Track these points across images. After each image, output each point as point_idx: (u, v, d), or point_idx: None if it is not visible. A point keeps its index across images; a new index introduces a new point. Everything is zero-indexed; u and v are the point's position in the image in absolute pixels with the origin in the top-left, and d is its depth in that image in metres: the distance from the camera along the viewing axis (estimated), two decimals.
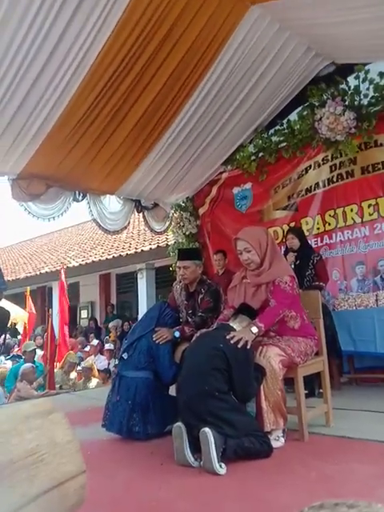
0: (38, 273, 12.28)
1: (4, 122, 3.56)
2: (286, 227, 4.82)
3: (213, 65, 3.84)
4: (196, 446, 2.04)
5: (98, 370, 6.57)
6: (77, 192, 4.76)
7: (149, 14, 3.16)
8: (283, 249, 4.21)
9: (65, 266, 8.93)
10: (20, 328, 10.70)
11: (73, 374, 6.46)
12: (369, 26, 3.36)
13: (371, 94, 4.03)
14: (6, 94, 3.32)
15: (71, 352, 7.02)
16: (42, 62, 3.19)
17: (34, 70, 3.22)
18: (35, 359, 6.35)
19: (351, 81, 4.14)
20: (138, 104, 3.89)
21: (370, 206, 4.19)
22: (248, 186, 5.19)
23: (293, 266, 3.69)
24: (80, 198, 4.80)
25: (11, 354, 7.28)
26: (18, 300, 11.31)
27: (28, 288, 8.64)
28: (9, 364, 7.07)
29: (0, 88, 3.25)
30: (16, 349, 8.84)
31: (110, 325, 9.58)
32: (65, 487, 1.03)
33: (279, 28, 3.72)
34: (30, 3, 2.76)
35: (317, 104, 4.28)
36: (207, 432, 1.97)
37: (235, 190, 5.33)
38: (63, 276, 8.22)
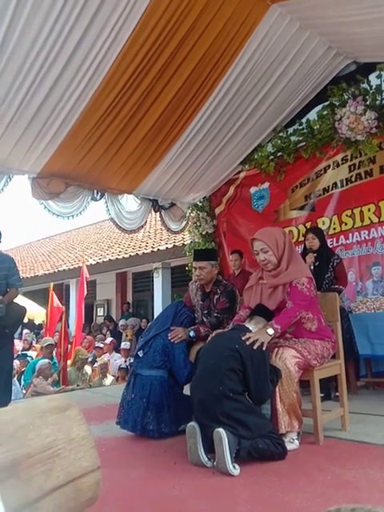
0: (55, 270, 12.45)
1: (25, 122, 3.62)
2: (301, 227, 4.79)
3: (232, 64, 3.83)
4: (210, 446, 2.04)
5: (121, 369, 6.61)
6: (95, 191, 4.82)
7: (169, 14, 3.16)
8: (300, 249, 4.16)
9: (79, 264, 8.98)
10: (37, 324, 10.84)
11: (88, 370, 6.51)
12: None
13: None
14: (27, 95, 3.38)
15: (80, 348, 7.07)
16: (63, 63, 3.23)
17: (54, 71, 3.27)
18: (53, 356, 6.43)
19: (373, 80, 4.08)
20: (156, 104, 3.91)
21: None
22: (265, 185, 5.17)
23: (312, 267, 3.64)
24: (98, 197, 4.86)
25: (17, 354, 7.35)
26: (36, 297, 11.49)
27: (51, 284, 8.74)
28: (16, 362, 7.13)
29: (21, 89, 3.31)
30: (33, 345, 8.95)
31: (122, 322, 9.63)
32: (80, 482, 1.04)
33: (300, 27, 3.68)
34: (52, 5, 2.80)
35: (337, 103, 4.22)
36: (221, 432, 1.96)
37: (252, 190, 5.31)
38: (86, 271, 8.29)
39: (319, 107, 4.51)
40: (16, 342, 8.33)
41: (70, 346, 6.95)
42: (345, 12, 3.30)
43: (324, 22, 3.68)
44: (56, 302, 8.32)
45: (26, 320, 7.58)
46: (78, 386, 5.69)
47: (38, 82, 3.31)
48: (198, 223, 5.67)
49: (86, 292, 8.25)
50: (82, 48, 3.19)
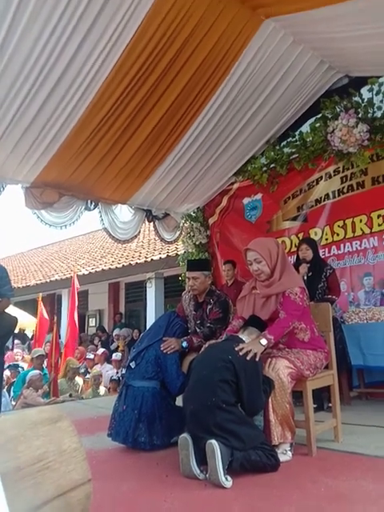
0: (47, 280, 12.37)
1: (19, 132, 3.63)
2: (294, 237, 4.82)
3: (226, 77, 3.88)
4: (202, 458, 2.02)
5: (113, 380, 6.54)
6: (89, 201, 4.81)
7: (164, 26, 3.21)
8: (293, 259, 4.18)
9: (71, 274, 8.94)
10: (29, 334, 10.72)
11: (79, 381, 6.43)
12: (382, 40, 3.37)
13: None
14: (22, 105, 3.39)
15: (71, 358, 6.99)
16: (58, 74, 3.25)
17: (50, 82, 3.29)
18: (43, 367, 6.35)
19: (365, 93, 4.15)
20: (151, 115, 3.94)
21: (379, 216, 4.17)
22: (258, 196, 5.21)
23: (305, 278, 3.66)
24: (92, 206, 4.85)
25: (8, 364, 7.26)
26: (27, 307, 11.38)
27: (40, 294, 8.71)
28: (6, 373, 7.04)
29: (16, 99, 3.32)
30: (21, 356, 8.82)
31: (116, 332, 9.56)
32: (70, 496, 1.02)
33: (293, 41, 3.75)
34: (49, 17, 2.83)
35: (330, 116, 4.28)
36: (214, 444, 1.95)
37: (245, 201, 5.35)
38: (77, 282, 8.26)
39: (312, 119, 4.57)
40: (10, 353, 8.26)
41: (59, 357, 6.87)
42: (337, 28, 3.37)
43: (317, 37, 3.75)
44: (44, 313, 8.32)
45: (17, 330, 7.51)
46: (70, 395, 5.61)
47: (34, 92, 3.32)
48: (192, 233, 5.69)
49: (77, 303, 8.20)
50: (77, 60, 3.21)
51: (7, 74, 3.11)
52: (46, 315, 8.36)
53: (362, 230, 4.29)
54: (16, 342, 9.95)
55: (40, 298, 8.39)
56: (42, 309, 8.37)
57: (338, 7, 2.97)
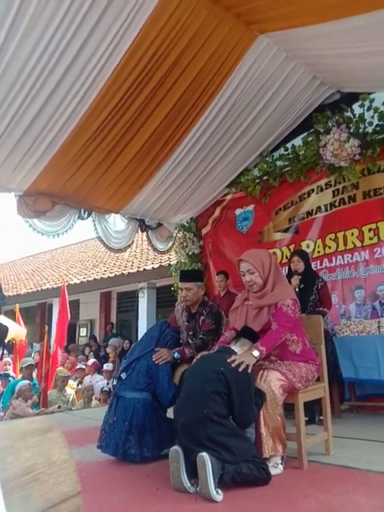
0: (39, 289, 12.27)
1: (13, 139, 3.63)
2: (285, 249, 4.86)
3: (220, 91, 3.93)
4: (193, 471, 2.00)
5: (103, 391, 6.46)
6: (82, 210, 4.81)
7: (160, 38, 3.25)
8: (285, 270, 4.20)
9: (66, 283, 8.89)
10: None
11: (70, 391, 6.34)
12: (373, 58, 3.45)
13: (376, 122, 4.10)
14: (17, 114, 3.40)
15: (60, 368, 6.91)
16: (54, 83, 3.27)
17: (45, 90, 3.30)
18: (33, 377, 6.27)
19: (356, 109, 4.22)
20: (145, 126, 3.97)
21: (370, 230, 4.22)
22: (250, 207, 5.26)
23: (297, 290, 3.67)
24: (85, 215, 4.85)
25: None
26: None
27: (17, 305, 8.78)
28: None
29: (12, 107, 3.33)
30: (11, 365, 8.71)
31: (112, 342, 9.46)
32: (59, 509, 1.00)
33: (286, 57, 3.82)
34: (46, 26, 2.85)
35: (322, 130, 4.35)
36: (205, 457, 1.93)
37: (237, 212, 5.39)
38: (66, 292, 8.20)
39: (304, 134, 4.63)
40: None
41: (49, 367, 6.78)
42: (329, 45, 3.44)
43: (309, 54, 3.83)
44: (21, 322, 8.38)
45: (7, 339, 7.39)
46: (59, 407, 5.53)
47: (29, 101, 3.33)
48: (185, 244, 5.70)
49: (69, 314, 8.12)
50: (74, 69, 3.24)
51: (3, 81, 3.12)
52: (22, 325, 8.45)
53: (353, 243, 4.33)
54: (4, 351, 9.80)
55: (17, 309, 8.48)
56: (18, 318, 8.46)
57: (330, 25, 3.04)
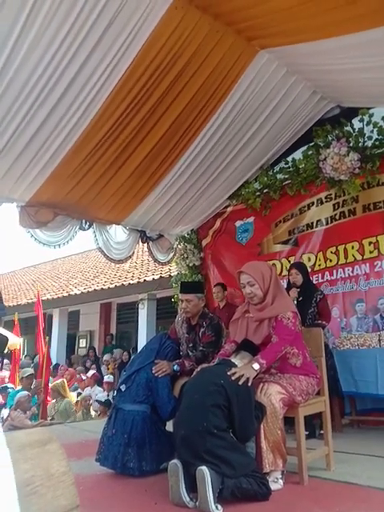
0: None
1: (16, 151, 3.67)
2: (285, 261, 4.86)
3: (221, 105, 3.98)
4: (192, 485, 1.98)
5: (97, 402, 6.41)
6: (83, 221, 4.84)
7: (163, 53, 3.30)
8: (285, 283, 4.20)
9: (63, 294, 8.91)
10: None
11: (65, 404, 6.27)
12: (372, 73, 3.50)
13: (375, 136, 4.14)
14: (20, 125, 3.44)
15: (57, 382, 6.86)
16: (57, 96, 3.31)
17: (49, 103, 3.35)
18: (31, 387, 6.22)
19: (356, 123, 4.27)
20: (147, 139, 4.01)
21: (370, 243, 4.23)
22: (250, 219, 5.28)
23: (295, 303, 3.67)
24: (86, 226, 4.87)
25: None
26: (19, 326, 11.21)
27: (16, 314, 8.82)
28: None
29: (15, 119, 3.37)
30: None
31: (106, 357, 9.42)
32: None
33: (286, 72, 3.87)
34: (51, 40, 2.91)
35: (322, 144, 4.39)
36: (204, 471, 1.91)
37: (238, 223, 5.41)
38: (40, 305, 8.29)
39: (304, 147, 4.68)
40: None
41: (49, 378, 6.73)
42: (329, 60, 3.49)
43: (310, 69, 3.88)
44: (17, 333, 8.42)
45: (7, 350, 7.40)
46: (52, 419, 5.47)
47: (32, 113, 3.38)
48: (185, 255, 5.71)
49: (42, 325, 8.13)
50: (77, 82, 3.28)
51: (7, 94, 3.17)
52: (19, 335, 8.49)
53: (354, 256, 4.33)
54: (5, 361, 9.76)
55: (16, 318, 8.52)
56: (17, 328, 8.49)
57: (330, 41, 3.09)
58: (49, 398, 6.26)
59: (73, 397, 6.60)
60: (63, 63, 3.10)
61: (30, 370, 6.48)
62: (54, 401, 6.12)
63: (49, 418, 5.65)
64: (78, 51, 3.06)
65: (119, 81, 3.39)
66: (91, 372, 8.20)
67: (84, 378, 7.81)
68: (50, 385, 6.37)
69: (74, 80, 3.26)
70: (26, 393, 5.64)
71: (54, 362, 7.89)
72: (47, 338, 7.44)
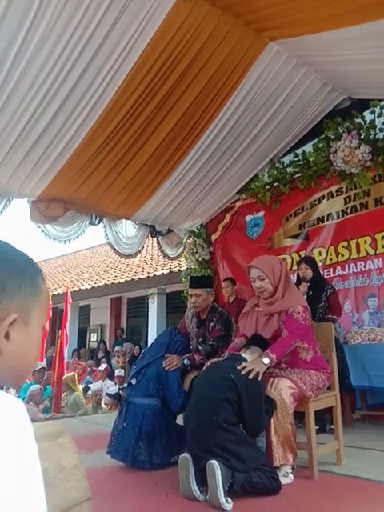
0: (50, 294, 12.35)
1: (26, 146, 3.68)
2: (295, 255, 4.83)
3: (230, 98, 3.95)
4: (202, 479, 1.99)
5: (107, 395, 6.46)
6: (93, 216, 4.85)
7: (170, 49, 3.28)
8: (295, 277, 4.17)
9: (74, 288, 8.88)
10: None
11: (77, 397, 6.34)
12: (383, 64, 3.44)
13: None
14: (30, 121, 3.45)
15: (67, 375, 6.92)
16: (65, 92, 3.32)
17: (58, 99, 3.35)
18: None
19: (367, 115, 4.20)
20: (156, 133, 4.00)
21: (383, 237, 4.17)
22: (260, 214, 5.24)
23: (305, 297, 3.65)
24: (96, 221, 4.89)
25: None
26: None
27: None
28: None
29: (25, 115, 3.39)
30: None
31: (116, 349, 9.50)
32: None
33: (296, 63, 3.82)
34: (59, 36, 2.91)
35: (332, 137, 4.33)
36: (214, 464, 1.92)
37: (248, 218, 5.38)
38: (69, 298, 8.27)
39: (315, 140, 4.62)
40: None
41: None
42: (339, 51, 3.44)
43: (320, 60, 3.83)
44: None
45: None
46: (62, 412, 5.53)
47: (42, 109, 3.39)
48: (195, 249, 5.70)
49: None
50: (85, 78, 3.28)
51: (17, 90, 3.18)
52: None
53: (366, 251, 4.28)
54: None
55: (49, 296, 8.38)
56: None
57: (341, 32, 3.04)
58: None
59: (80, 389, 6.67)
60: (71, 59, 3.09)
61: (42, 364, 6.55)
62: (64, 394, 6.19)
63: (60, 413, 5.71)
64: (86, 47, 3.05)
65: (127, 76, 3.38)
66: (103, 365, 8.28)
67: (96, 370, 7.87)
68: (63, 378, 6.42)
69: (83, 75, 3.26)
70: (38, 386, 5.71)
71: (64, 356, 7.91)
72: (59, 331, 7.49)
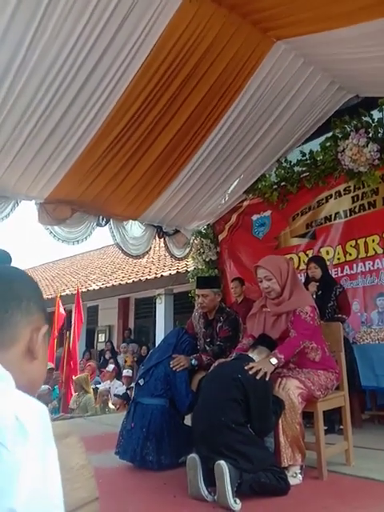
0: (59, 295, 12.41)
1: (34, 149, 3.71)
2: (302, 254, 4.80)
3: (237, 97, 3.94)
4: (210, 479, 1.98)
5: (115, 395, 6.49)
6: (100, 217, 4.87)
7: (178, 47, 3.29)
8: (302, 277, 4.15)
9: (82, 289, 8.88)
10: None
11: (87, 397, 6.37)
12: None
13: None
14: (37, 124, 3.47)
15: (79, 375, 6.96)
16: (73, 94, 3.33)
17: (65, 101, 3.37)
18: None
19: (375, 114, 4.17)
20: (163, 134, 4.00)
21: None
22: (267, 213, 5.23)
23: (315, 297, 3.63)
24: (103, 222, 4.91)
25: None
26: None
27: (59, 294, 8.81)
28: None
29: (32, 118, 3.41)
30: None
31: (123, 345, 9.53)
32: None
33: (303, 62, 3.81)
34: (69, 34, 2.92)
35: (340, 135, 4.31)
36: (222, 465, 1.91)
37: (254, 217, 5.37)
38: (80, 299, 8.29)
39: (322, 138, 4.60)
40: None
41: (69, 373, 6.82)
42: (346, 50, 3.42)
43: (327, 59, 3.81)
44: (61, 309, 8.16)
45: None
46: (72, 410, 5.55)
47: (49, 112, 3.41)
48: (202, 250, 5.70)
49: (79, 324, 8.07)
50: (92, 79, 3.30)
51: (24, 93, 3.20)
52: (62, 310, 8.22)
53: (374, 250, 4.24)
54: None
55: (58, 296, 8.40)
56: (59, 304, 8.20)
57: (347, 30, 3.02)
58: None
59: (92, 391, 6.69)
60: (78, 62, 3.11)
61: (50, 364, 6.59)
62: (76, 394, 6.21)
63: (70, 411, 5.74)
64: (93, 49, 3.07)
65: (134, 77, 3.39)
66: (111, 366, 8.30)
67: (104, 370, 7.90)
68: (74, 378, 6.44)
69: (89, 77, 3.27)
70: (46, 386, 5.74)
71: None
72: (67, 332, 7.53)
